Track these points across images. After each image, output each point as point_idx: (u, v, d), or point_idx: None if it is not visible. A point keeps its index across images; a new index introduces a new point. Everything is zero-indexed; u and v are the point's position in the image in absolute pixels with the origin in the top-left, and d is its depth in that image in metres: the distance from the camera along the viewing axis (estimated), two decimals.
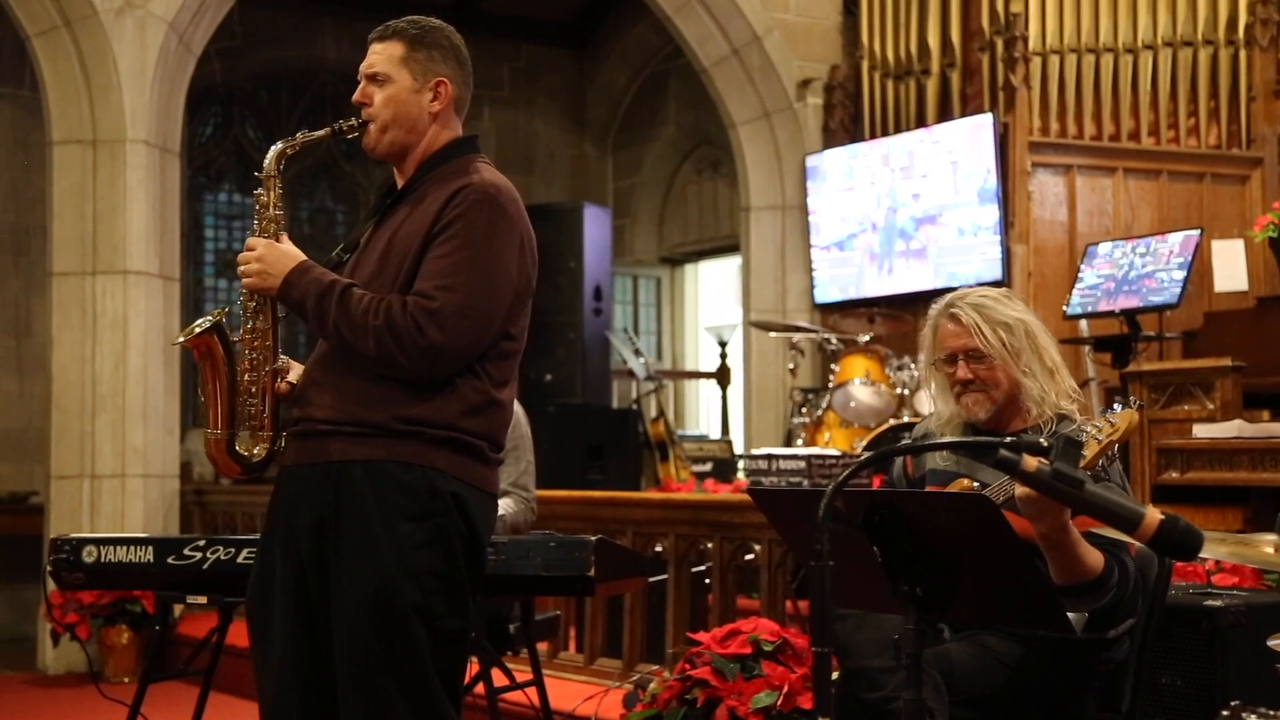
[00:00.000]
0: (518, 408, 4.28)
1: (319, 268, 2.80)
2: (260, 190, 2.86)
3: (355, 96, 2.88)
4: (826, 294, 8.58)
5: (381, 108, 2.84)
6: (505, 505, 4.15)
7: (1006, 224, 7.59)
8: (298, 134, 2.90)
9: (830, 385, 7.19)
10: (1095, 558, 2.72)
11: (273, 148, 2.88)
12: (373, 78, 2.85)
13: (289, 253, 2.80)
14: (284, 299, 2.79)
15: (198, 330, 2.83)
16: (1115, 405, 2.78)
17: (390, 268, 2.76)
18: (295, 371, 2.88)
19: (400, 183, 2.89)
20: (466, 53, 2.93)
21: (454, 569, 2.73)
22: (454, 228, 2.71)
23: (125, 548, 3.90)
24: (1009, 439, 2.24)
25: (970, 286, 3.22)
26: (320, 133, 2.90)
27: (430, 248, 2.72)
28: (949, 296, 3.10)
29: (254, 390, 2.82)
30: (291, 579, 2.76)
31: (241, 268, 2.81)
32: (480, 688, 3.89)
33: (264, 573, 2.82)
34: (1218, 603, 3.29)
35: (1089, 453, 2.65)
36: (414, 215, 2.78)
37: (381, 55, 2.85)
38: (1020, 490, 2.58)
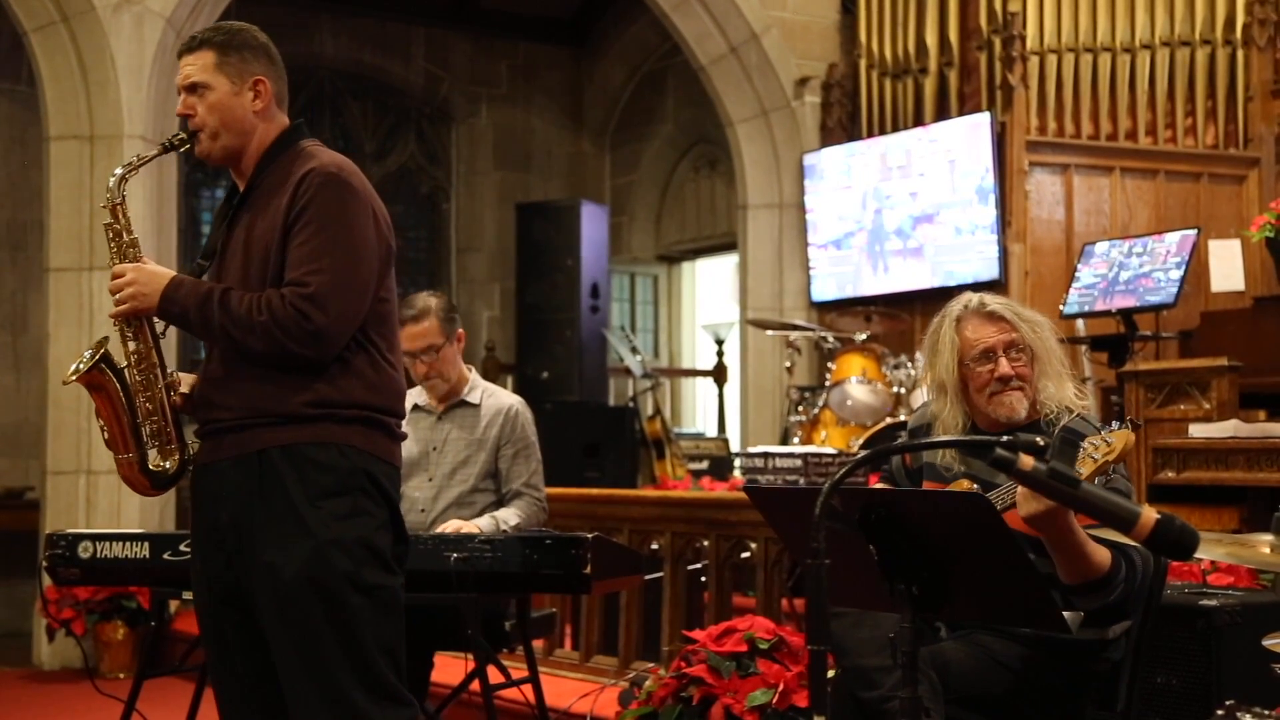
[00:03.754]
0: (524, 407, 4.29)
1: (191, 279, 2.88)
2: (110, 219, 2.92)
3: (178, 109, 2.94)
4: (823, 292, 8.58)
5: (207, 115, 2.90)
6: (518, 509, 4.15)
7: (1004, 223, 7.59)
8: (134, 157, 2.99)
9: (827, 383, 7.19)
10: (1103, 555, 2.74)
11: (112, 175, 2.94)
12: (191, 89, 2.91)
13: (158, 271, 2.87)
14: (164, 315, 2.86)
15: (85, 368, 2.85)
16: (1113, 424, 2.78)
17: (255, 265, 2.83)
18: (186, 382, 2.94)
19: (241, 184, 2.96)
20: (274, 48, 3.00)
21: (381, 538, 2.83)
22: (308, 214, 2.79)
23: (121, 544, 3.90)
24: (1005, 438, 2.24)
25: (972, 292, 3.21)
26: (153, 152, 3.00)
27: (290, 237, 2.80)
28: (966, 299, 3.10)
29: (150, 408, 2.88)
30: (221, 569, 2.85)
31: (116, 295, 2.87)
32: (476, 685, 3.89)
33: (198, 566, 2.92)
34: (1213, 602, 3.30)
35: (1085, 470, 2.65)
36: (265, 211, 2.85)
37: (195, 66, 2.91)
38: (1024, 510, 2.60)
